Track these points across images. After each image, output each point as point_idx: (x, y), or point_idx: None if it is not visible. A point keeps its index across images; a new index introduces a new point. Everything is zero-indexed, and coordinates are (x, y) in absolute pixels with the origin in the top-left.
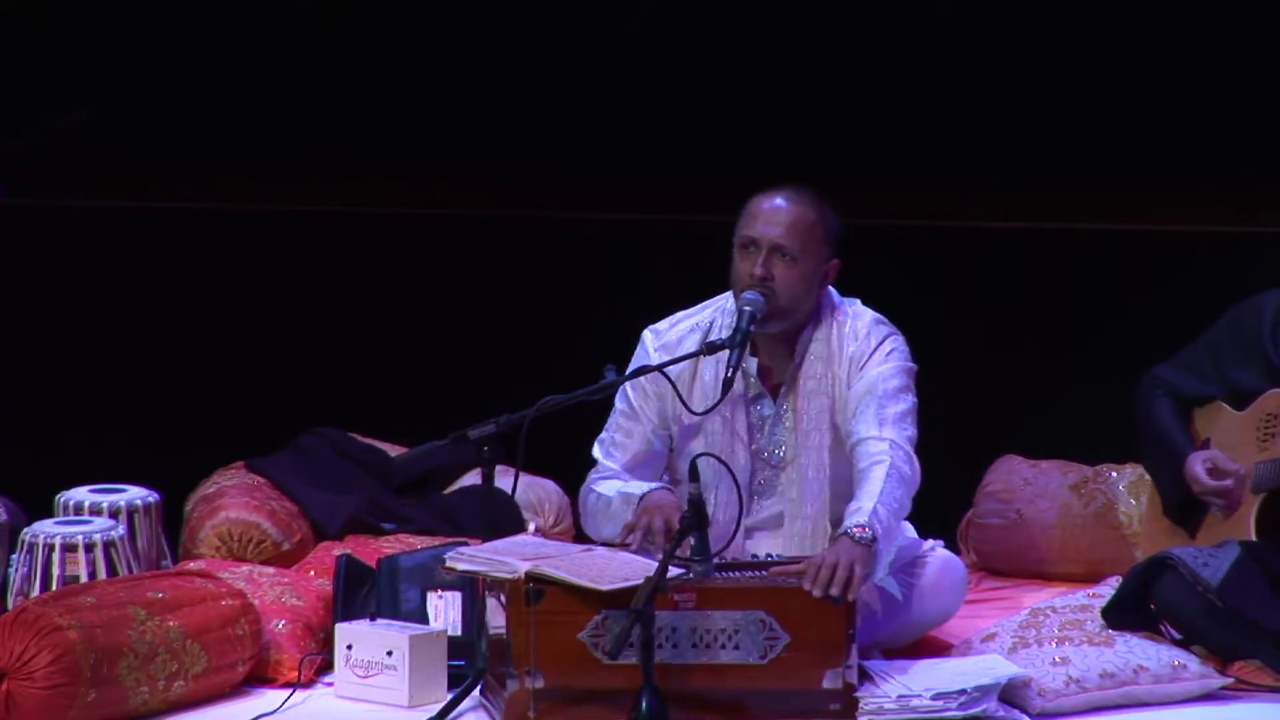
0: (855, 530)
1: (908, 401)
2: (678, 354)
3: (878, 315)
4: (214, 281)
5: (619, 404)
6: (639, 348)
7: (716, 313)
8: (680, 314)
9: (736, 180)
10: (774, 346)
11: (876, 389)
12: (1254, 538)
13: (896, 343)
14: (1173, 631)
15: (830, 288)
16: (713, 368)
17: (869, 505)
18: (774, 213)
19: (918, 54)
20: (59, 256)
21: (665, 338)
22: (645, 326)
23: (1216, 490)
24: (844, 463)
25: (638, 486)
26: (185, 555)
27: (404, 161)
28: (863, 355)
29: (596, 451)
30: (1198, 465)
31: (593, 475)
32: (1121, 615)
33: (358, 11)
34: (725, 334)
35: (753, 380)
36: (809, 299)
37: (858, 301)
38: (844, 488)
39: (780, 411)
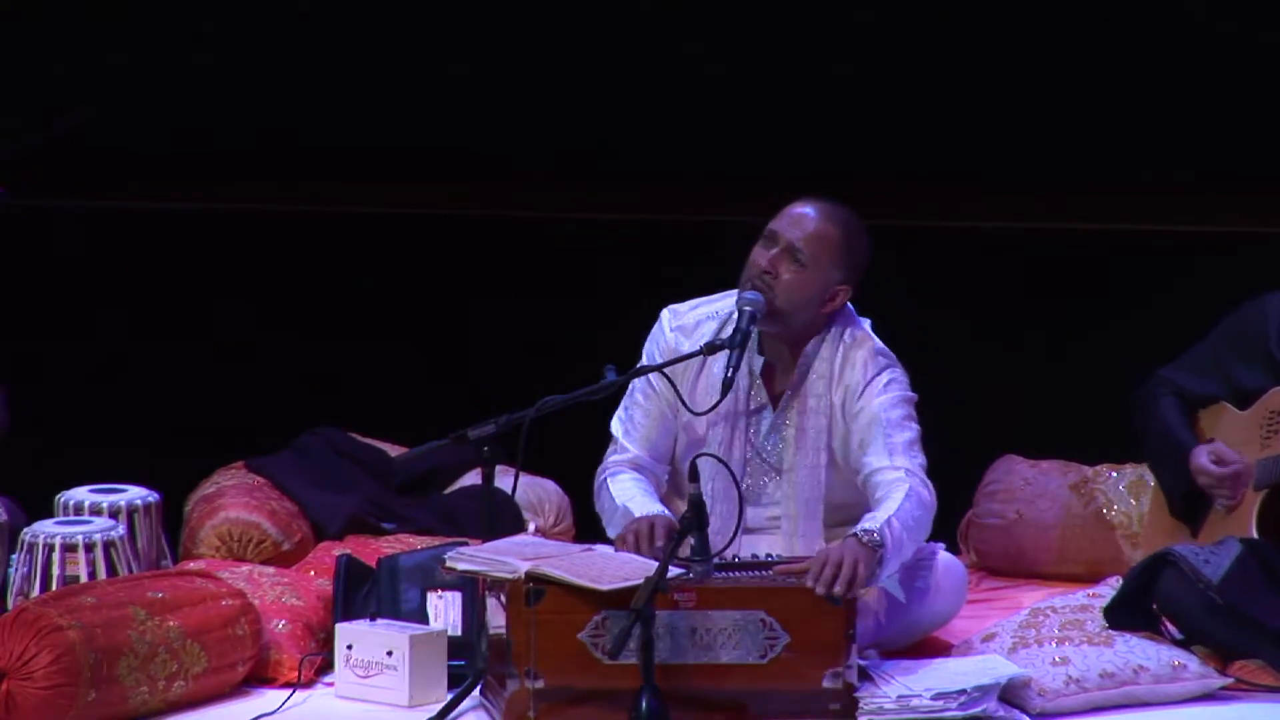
0: (865, 535)
1: (913, 430)
2: (694, 337)
3: (880, 345)
4: (214, 281)
5: (637, 380)
6: (656, 325)
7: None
8: (702, 299)
9: (737, 180)
10: (779, 349)
11: (880, 420)
12: (1255, 535)
13: (895, 374)
14: (1173, 631)
15: (850, 306)
16: (720, 368)
17: (883, 516)
18: (802, 217)
19: (917, 54)
20: (58, 256)
21: (683, 319)
22: (644, 327)
23: (1221, 478)
24: (841, 485)
25: (641, 506)
26: (185, 555)
27: (404, 161)
28: (859, 386)
29: (615, 428)
30: (1202, 456)
31: (610, 458)
32: (1123, 615)
33: (358, 11)
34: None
35: (757, 383)
36: (807, 312)
37: (868, 324)
38: (841, 508)
39: (779, 422)
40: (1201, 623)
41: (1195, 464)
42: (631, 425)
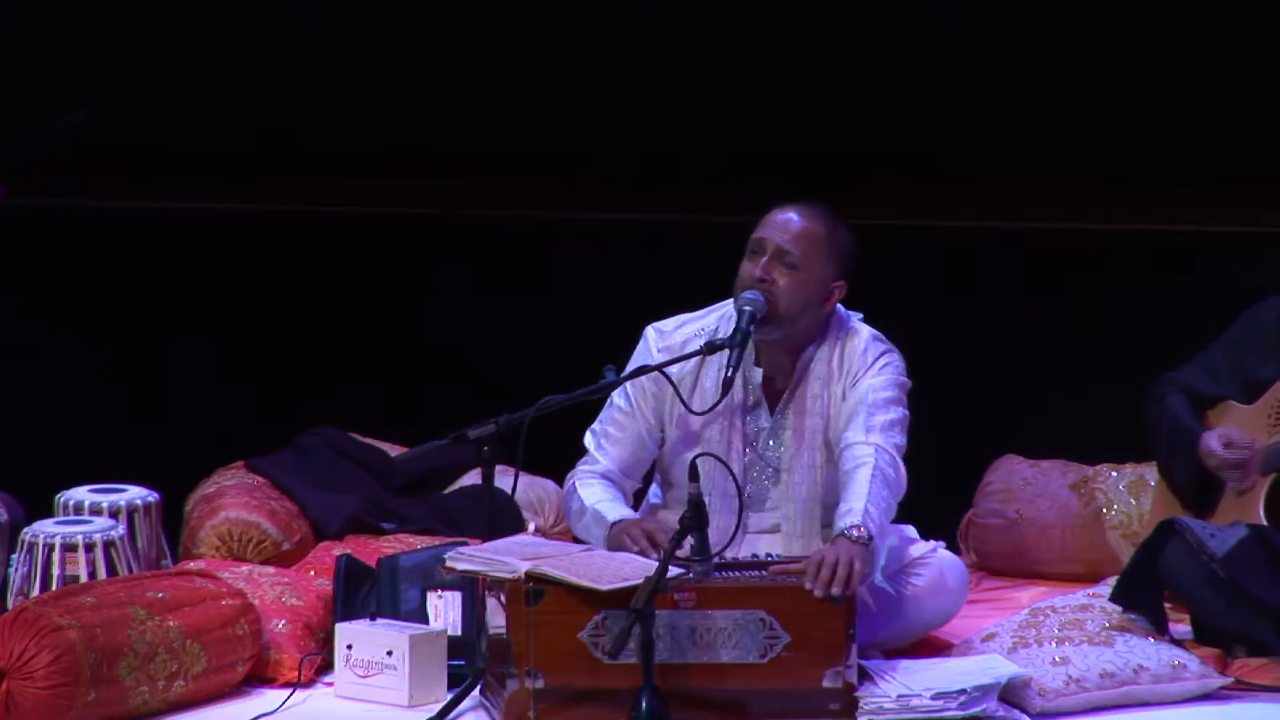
0: (851, 530)
1: (897, 413)
2: (680, 356)
3: (875, 333)
4: (214, 281)
5: (617, 398)
6: (641, 344)
7: (720, 319)
8: (685, 316)
9: (736, 181)
10: (777, 359)
11: (867, 399)
12: (1264, 521)
13: (891, 359)
14: (1176, 630)
15: (840, 306)
16: (714, 374)
17: (859, 505)
18: (785, 221)
19: (918, 54)
20: (59, 256)
21: (670, 339)
22: (645, 326)
23: (1230, 461)
24: (835, 480)
25: (611, 510)
26: (185, 555)
27: (404, 161)
28: (858, 371)
29: (588, 441)
30: (1213, 439)
31: (581, 467)
32: (1130, 591)
33: (357, 11)
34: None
35: (753, 386)
36: (807, 313)
37: (859, 318)
38: (835, 503)
39: (776, 425)
40: (1202, 594)
41: (1205, 446)
42: (606, 440)
